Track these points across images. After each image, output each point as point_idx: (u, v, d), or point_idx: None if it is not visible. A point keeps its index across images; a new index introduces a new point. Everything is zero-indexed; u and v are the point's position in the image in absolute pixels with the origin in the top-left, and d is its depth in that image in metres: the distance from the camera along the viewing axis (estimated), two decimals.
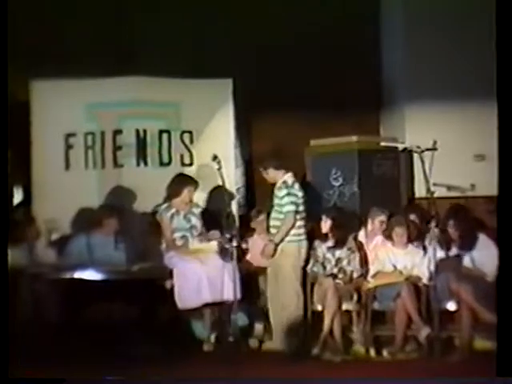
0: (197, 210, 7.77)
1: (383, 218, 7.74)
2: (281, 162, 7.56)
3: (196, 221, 7.70)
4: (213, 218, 7.84)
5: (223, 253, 7.44)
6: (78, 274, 7.14)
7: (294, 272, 7.34)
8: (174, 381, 6.05)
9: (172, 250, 7.59)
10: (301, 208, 7.37)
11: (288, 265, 7.38)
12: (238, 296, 6.96)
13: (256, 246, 7.95)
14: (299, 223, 7.37)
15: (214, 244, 7.61)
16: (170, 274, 7.43)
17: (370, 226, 7.81)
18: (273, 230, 7.39)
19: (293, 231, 7.32)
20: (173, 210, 7.68)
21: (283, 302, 7.32)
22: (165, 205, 7.70)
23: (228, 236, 7.05)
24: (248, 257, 8.04)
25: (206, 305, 7.50)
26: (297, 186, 7.42)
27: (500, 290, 5.42)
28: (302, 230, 7.37)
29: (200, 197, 8.07)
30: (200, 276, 7.36)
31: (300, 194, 7.41)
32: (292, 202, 7.31)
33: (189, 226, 7.69)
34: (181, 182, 7.79)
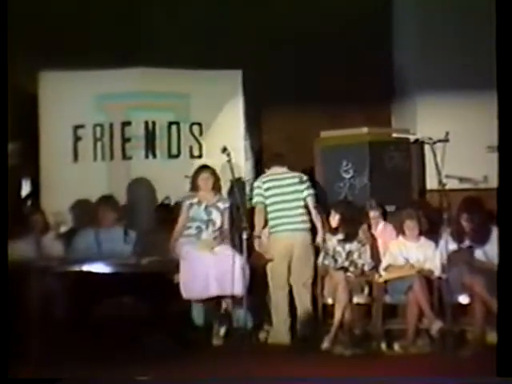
0: (223, 205, 7.72)
1: (373, 213, 7.84)
2: (282, 159, 7.72)
3: (217, 216, 7.64)
4: None
5: (233, 245, 7.41)
6: (86, 267, 7.10)
7: (269, 265, 7.57)
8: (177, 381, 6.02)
9: (181, 239, 7.59)
10: (269, 201, 7.59)
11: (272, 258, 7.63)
12: (248, 289, 6.91)
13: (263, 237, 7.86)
14: (272, 215, 7.59)
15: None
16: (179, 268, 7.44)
17: None
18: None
19: (270, 223, 7.57)
20: (194, 200, 7.66)
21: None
22: (189, 193, 7.75)
23: (239, 229, 7.00)
24: (259, 249, 7.92)
25: (215, 298, 7.48)
26: (268, 177, 7.70)
27: (500, 290, 5.36)
28: (275, 222, 7.53)
29: None
30: (207, 269, 7.35)
31: (268, 185, 7.64)
32: (257, 194, 7.63)
33: (207, 218, 7.64)
34: (195, 173, 7.81)
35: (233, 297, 7.39)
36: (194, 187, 7.72)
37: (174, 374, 6.07)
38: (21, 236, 7.10)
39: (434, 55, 8.74)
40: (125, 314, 7.10)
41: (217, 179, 7.71)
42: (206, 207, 7.66)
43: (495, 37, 5.53)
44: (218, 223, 7.63)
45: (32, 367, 6.19)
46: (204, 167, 7.81)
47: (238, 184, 7.34)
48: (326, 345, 7.24)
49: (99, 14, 8.60)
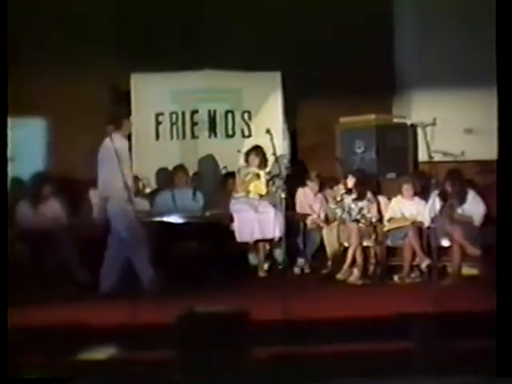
0: (264, 178, 8.20)
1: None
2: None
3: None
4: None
5: (274, 202, 7.85)
6: (165, 219, 7.54)
7: None
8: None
9: (235, 199, 8.14)
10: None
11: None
12: (285, 235, 6.95)
13: (303, 198, 8.54)
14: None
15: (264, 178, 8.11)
16: (233, 219, 8.00)
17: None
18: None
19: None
20: (247, 170, 8.27)
21: None
22: (244, 164, 8.28)
23: (278, 190, 7.31)
24: (295, 205, 8.49)
25: (259, 241, 7.97)
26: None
27: (499, 290, 4.90)
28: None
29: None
30: (253, 220, 7.88)
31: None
32: None
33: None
34: (248, 151, 8.28)
35: (272, 240, 7.88)
36: (247, 162, 8.28)
37: (230, 300, 6.00)
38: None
39: (427, 59, 8.80)
40: (192, 253, 7.50)
41: (262, 157, 8.10)
42: (257, 175, 8.20)
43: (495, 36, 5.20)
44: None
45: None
46: (254, 148, 8.18)
47: (278, 157, 7.35)
48: (340, 276, 7.68)
49: (174, 26, 8.78)
